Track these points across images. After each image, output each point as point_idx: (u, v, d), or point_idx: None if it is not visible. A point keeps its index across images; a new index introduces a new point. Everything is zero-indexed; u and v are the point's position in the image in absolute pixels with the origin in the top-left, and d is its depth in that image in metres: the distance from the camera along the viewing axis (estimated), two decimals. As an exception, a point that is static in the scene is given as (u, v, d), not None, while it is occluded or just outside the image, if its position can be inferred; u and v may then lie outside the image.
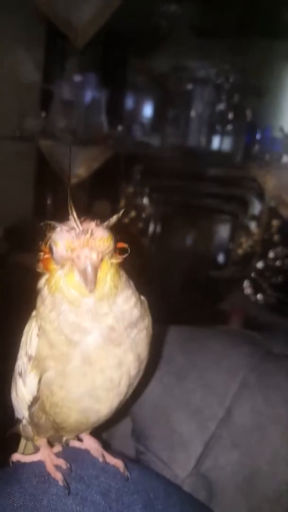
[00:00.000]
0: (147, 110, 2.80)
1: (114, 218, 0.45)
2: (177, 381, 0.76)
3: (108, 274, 0.44)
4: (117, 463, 0.51)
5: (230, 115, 2.26)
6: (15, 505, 0.45)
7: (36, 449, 0.55)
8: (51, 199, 2.40)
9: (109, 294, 0.44)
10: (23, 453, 0.59)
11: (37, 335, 0.47)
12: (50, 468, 0.49)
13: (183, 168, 2.36)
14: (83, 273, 0.42)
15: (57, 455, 0.52)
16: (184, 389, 0.75)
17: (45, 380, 0.46)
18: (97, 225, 0.43)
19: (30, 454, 0.54)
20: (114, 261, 0.44)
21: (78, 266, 0.42)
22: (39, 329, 0.47)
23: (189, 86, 2.43)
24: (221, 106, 2.32)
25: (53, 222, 0.44)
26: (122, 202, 2.42)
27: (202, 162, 2.35)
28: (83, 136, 2.51)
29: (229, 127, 2.29)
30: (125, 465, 0.52)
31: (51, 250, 0.43)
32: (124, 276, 0.47)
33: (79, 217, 0.43)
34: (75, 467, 0.50)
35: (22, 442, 0.60)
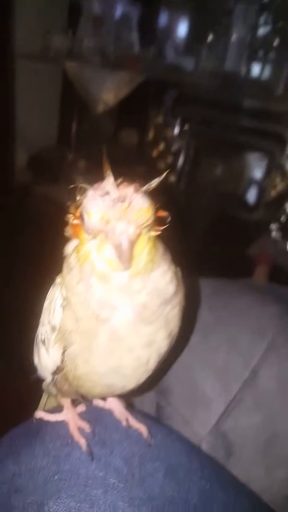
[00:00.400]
0: (182, 30, 2.56)
1: (154, 182, 0.39)
2: (202, 338, 0.74)
3: (145, 249, 0.39)
4: (141, 427, 0.51)
5: (275, 41, 2.04)
6: (38, 466, 0.44)
7: (59, 404, 0.54)
8: (76, 126, 2.29)
9: (144, 270, 0.40)
10: (44, 407, 0.59)
11: (62, 306, 0.44)
12: (73, 430, 0.48)
13: (218, 98, 2.20)
14: (118, 248, 0.37)
15: (81, 416, 0.51)
16: (208, 346, 0.73)
17: (70, 353, 0.44)
18: (136, 190, 0.37)
19: (53, 411, 0.53)
20: (153, 234, 0.40)
21: (113, 240, 0.37)
22: (64, 300, 0.43)
23: (231, 4, 2.18)
24: (264, 30, 2.09)
25: (85, 184, 0.38)
26: (151, 133, 2.30)
27: (239, 92, 2.18)
28: (113, 57, 2.34)
29: (272, 54, 2.08)
30: (149, 430, 0.51)
31: (82, 218, 0.38)
32: (161, 248, 0.42)
33: (115, 179, 0.38)
34: (98, 431, 0.49)
35: (44, 396, 0.60)
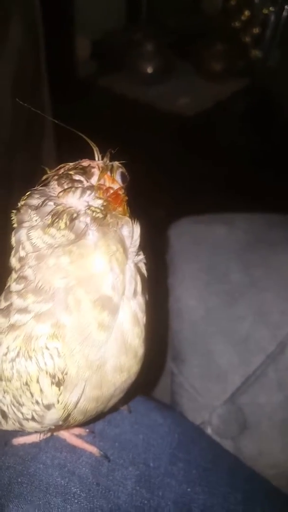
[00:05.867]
0: None
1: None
2: (226, 304, 0.66)
3: None
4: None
5: None
6: (6, 464, 0.45)
7: None
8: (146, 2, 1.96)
9: None
10: None
11: (54, 381, 0.34)
12: (70, 439, 0.45)
13: None
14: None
15: None
16: (232, 315, 0.65)
17: (78, 407, 0.36)
18: None
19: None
20: None
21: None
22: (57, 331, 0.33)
23: None
24: None
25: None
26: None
27: None
28: None
29: None
30: (131, 429, 0.48)
31: (124, 177, 0.37)
32: None
33: None
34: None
35: None
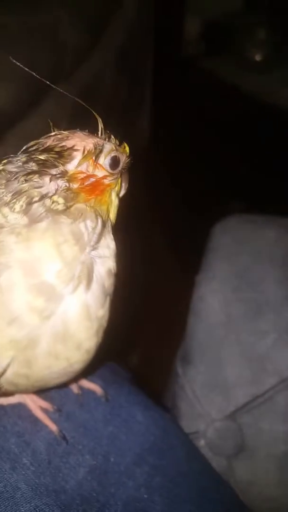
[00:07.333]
0: None
1: None
2: (251, 315, 0.60)
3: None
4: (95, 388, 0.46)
5: None
6: None
7: None
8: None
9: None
10: None
11: None
12: (36, 411, 0.44)
13: None
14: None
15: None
16: (255, 327, 0.59)
17: (2, 380, 0.37)
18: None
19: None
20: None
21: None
22: None
23: None
24: None
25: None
26: None
27: None
28: None
29: None
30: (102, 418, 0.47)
31: (116, 161, 0.35)
32: None
33: None
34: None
35: None
